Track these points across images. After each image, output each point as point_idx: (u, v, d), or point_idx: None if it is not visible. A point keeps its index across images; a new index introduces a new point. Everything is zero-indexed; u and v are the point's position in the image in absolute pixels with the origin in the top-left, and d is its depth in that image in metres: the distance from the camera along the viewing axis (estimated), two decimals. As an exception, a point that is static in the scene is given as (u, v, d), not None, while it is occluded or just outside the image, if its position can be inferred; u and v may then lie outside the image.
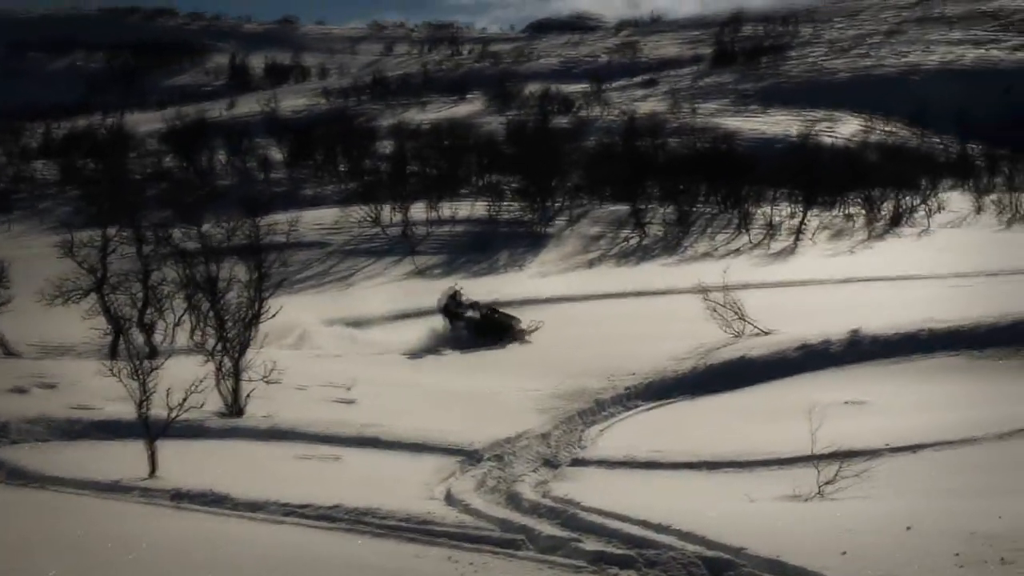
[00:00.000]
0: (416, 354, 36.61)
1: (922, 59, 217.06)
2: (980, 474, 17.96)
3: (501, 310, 41.15)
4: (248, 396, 24.16)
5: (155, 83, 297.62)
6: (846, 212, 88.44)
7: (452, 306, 39.96)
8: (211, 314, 26.74)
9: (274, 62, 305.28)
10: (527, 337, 39.09)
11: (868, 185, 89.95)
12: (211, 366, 24.20)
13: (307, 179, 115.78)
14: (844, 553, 12.59)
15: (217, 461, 19.29)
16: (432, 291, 49.89)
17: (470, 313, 40.01)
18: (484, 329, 39.29)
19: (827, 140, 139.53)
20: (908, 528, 13.69)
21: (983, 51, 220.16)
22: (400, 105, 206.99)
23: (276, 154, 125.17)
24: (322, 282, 59.67)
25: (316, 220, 75.73)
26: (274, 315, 28.30)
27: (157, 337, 36.01)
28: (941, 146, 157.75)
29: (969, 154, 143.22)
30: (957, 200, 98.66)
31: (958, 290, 44.74)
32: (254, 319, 26.95)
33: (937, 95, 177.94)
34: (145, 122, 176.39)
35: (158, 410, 18.45)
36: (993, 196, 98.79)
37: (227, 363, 24.34)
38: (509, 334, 39.14)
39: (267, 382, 25.17)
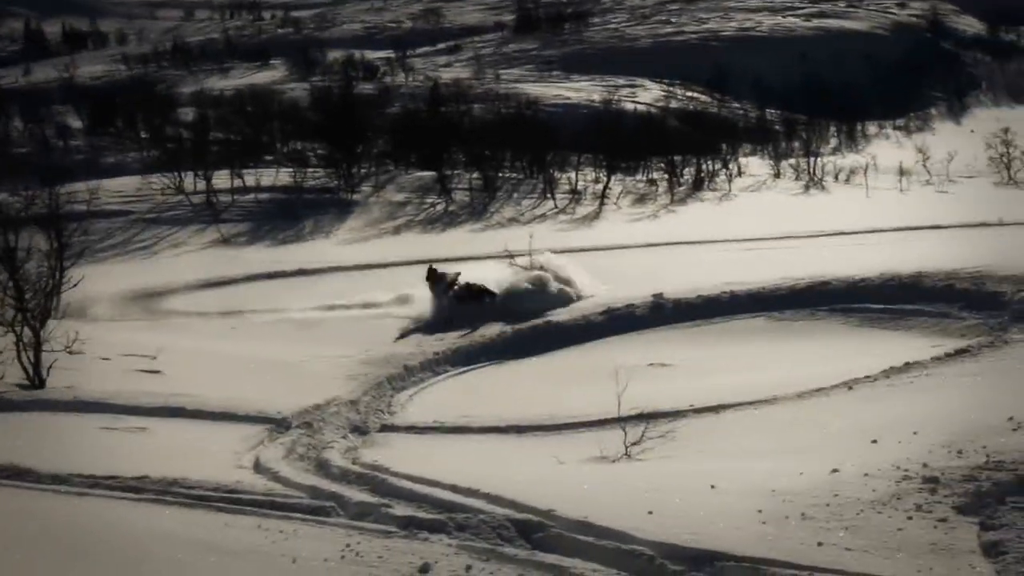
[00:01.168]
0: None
1: (721, 26, 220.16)
2: (780, 433, 18.39)
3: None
4: (50, 367, 23.68)
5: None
6: (649, 177, 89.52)
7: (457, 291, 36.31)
8: (10, 285, 26.07)
9: (71, 28, 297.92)
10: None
11: (670, 151, 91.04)
12: (11, 337, 23.68)
13: (108, 147, 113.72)
14: (651, 512, 12.82)
15: (19, 434, 18.83)
16: (237, 260, 49.44)
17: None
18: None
19: (629, 106, 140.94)
20: (712, 487, 13.99)
21: (779, 19, 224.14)
22: (202, 72, 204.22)
23: (75, 122, 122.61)
24: (125, 251, 58.49)
25: (118, 188, 74.18)
26: (75, 284, 27.69)
27: (-47, 309, 35.01)
28: (741, 112, 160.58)
29: (767, 119, 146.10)
30: (756, 165, 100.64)
31: (758, 253, 45.55)
32: (55, 289, 26.39)
33: (736, 62, 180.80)
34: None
35: (-44, 384, 18.03)
36: (791, 161, 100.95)
37: (28, 334, 23.84)
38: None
39: (70, 353, 24.66)
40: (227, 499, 14.80)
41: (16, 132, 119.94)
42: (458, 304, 35.30)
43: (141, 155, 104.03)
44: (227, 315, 37.23)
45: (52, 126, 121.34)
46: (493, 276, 36.70)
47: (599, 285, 36.61)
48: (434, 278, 35.92)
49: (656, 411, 19.68)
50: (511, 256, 38.13)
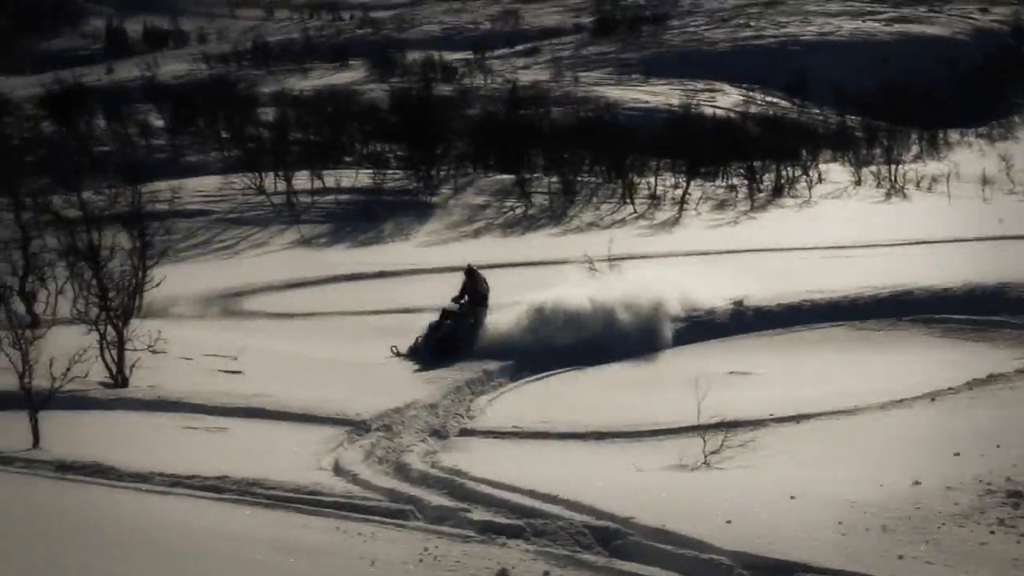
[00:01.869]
0: None
1: (800, 30, 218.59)
2: (861, 444, 18.27)
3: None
4: (133, 366, 23.92)
5: (31, 47, 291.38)
6: (729, 183, 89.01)
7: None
8: (94, 283, 26.34)
9: (152, 26, 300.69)
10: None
11: (750, 156, 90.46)
12: (95, 336, 23.93)
13: (189, 146, 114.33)
14: (729, 522, 12.80)
15: (102, 432, 19.06)
16: (318, 261, 49.68)
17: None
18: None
19: (708, 111, 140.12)
20: (792, 497, 13.92)
21: (860, 23, 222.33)
22: (282, 72, 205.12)
23: (156, 120, 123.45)
24: (207, 251, 58.97)
25: (199, 188, 74.70)
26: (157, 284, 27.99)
27: (39, 306, 35.39)
28: (820, 117, 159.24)
29: (848, 125, 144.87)
30: (837, 172, 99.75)
31: (839, 261, 45.23)
32: (137, 288, 26.67)
33: (816, 66, 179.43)
34: (21, 87, 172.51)
35: (41, 381, 18.19)
36: (872, 168, 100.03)
37: (111, 332, 24.09)
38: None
39: (152, 352, 24.91)
40: (306, 500, 14.93)
41: (99, 130, 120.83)
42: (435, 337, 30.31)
43: (222, 155, 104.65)
44: (308, 316, 37.46)
45: (134, 124, 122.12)
46: (577, 299, 32.29)
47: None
48: (471, 276, 32.15)
49: (736, 420, 19.61)
50: (590, 262, 38.05)
